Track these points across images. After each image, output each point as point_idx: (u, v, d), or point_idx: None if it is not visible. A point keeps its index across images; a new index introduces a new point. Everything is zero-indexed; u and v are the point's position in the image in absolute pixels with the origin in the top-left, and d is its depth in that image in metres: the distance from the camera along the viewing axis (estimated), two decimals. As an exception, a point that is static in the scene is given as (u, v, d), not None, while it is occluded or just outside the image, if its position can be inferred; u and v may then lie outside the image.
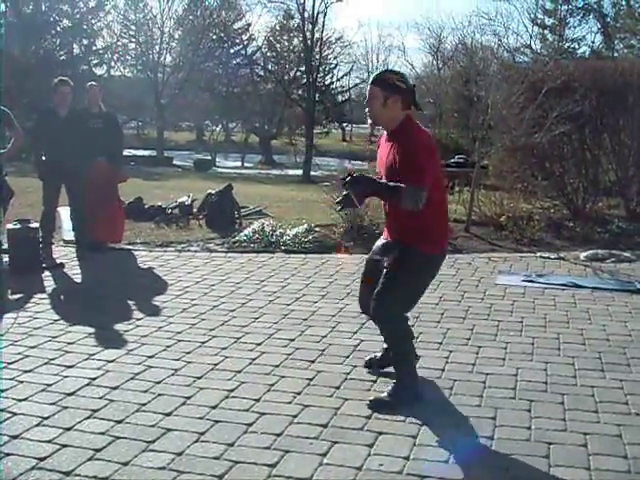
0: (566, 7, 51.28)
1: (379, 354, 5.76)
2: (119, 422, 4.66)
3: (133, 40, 52.86)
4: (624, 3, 49.08)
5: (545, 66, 14.59)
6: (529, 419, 4.85)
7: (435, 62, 57.33)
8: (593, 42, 52.85)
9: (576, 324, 7.13)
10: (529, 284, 8.80)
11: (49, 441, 4.37)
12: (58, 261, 9.36)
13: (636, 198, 13.99)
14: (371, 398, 5.11)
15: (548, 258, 10.44)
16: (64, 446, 4.33)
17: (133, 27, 52.36)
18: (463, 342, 6.44)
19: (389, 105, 4.95)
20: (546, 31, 52.98)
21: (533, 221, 12.38)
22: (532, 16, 52.36)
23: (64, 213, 10.73)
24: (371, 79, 5.13)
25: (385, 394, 5.13)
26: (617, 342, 6.59)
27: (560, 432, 4.66)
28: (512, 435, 4.59)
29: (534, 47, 51.07)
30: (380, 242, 5.52)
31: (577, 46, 52.20)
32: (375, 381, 5.49)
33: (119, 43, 53.53)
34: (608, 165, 14.29)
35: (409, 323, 5.32)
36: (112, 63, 53.88)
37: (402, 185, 4.72)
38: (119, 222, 10.68)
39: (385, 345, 5.57)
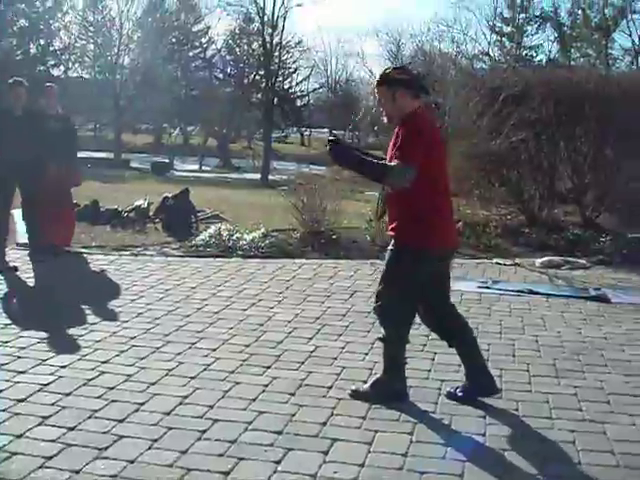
0: (524, 15, 51.95)
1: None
2: (71, 429, 4.59)
3: (91, 41, 52.49)
4: (580, 12, 49.71)
5: (503, 73, 14.67)
6: (484, 426, 4.85)
7: (394, 68, 57.51)
8: (550, 50, 53.56)
9: (531, 331, 7.17)
10: (485, 290, 8.85)
11: (-1, 448, 4.30)
12: (11, 264, 9.23)
13: (591, 205, 14.14)
14: (353, 387, 5.32)
15: (504, 264, 10.51)
16: (14, 454, 4.24)
17: (92, 28, 51.95)
18: (419, 349, 6.42)
19: (397, 99, 5.08)
20: (504, 39, 53.52)
21: (490, 227, 12.45)
22: (490, 24, 52.91)
23: (18, 216, 10.60)
24: (375, 82, 5.28)
25: (367, 385, 5.33)
26: (571, 349, 6.64)
27: (515, 439, 4.67)
28: (467, 442, 4.59)
29: (492, 54, 51.57)
30: None
31: (534, 54, 52.90)
32: (330, 387, 5.47)
33: (77, 44, 53.12)
34: (564, 172, 14.43)
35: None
36: (70, 64, 53.48)
37: (387, 163, 4.93)
38: (70, 226, 10.56)
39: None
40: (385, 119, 5.31)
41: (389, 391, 5.22)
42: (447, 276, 5.43)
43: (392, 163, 4.91)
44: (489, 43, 52.95)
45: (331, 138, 5.06)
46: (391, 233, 5.23)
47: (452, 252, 5.68)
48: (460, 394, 5.29)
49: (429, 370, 5.91)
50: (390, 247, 5.25)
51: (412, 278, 5.15)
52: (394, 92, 5.07)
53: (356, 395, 5.26)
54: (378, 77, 5.26)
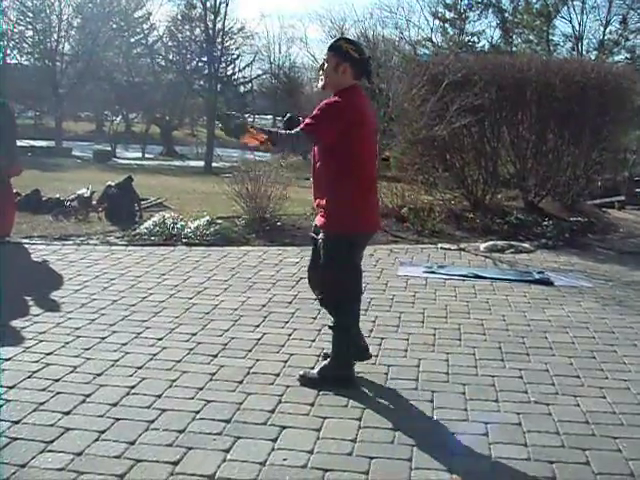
0: (466, 1, 52.13)
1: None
2: (16, 422, 4.51)
3: (30, 27, 51.59)
4: (521, -1, 50.15)
5: (446, 59, 14.74)
6: (431, 409, 4.89)
7: (337, 54, 57.51)
8: (492, 37, 53.85)
9: (476, 315, 7.24)
10: (430, 275, 8.91)
11: (-59, 443, 4.22)
12: (-49, 255, 9.08)
13: (534, 190, 14.31)
14: (301, 373, 5.35)
15: (449, 249, 10.60)
16: (-43, 448, 4.18)
17: (30, 14, 51.05)
18: (366, 334, 6.41)
19: (339, 72, 5.11)
20: (447, 25, 53.74)
21: (434, 213, 12.54)
22: (433, 10, 53.05)
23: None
24: (328, 45, 5.26)
25: (315, 371, 5.37)
26: (516, 332, 6.72)
27: (461, 422, 4.72)
28: (414, 427, 4.61)
29: (435, 40, 51.70)
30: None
31: (477, 40, 53.14)
32: (278, 374, 5.46)
33: (15, 30, 52.21)
34: (507, 158, 14.60)
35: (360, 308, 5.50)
36: (8, 51, 52.54)
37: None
38: (11, 215, 10.40)
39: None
40: (320, 84, 5.30)
41: (339, 376, 5.27)
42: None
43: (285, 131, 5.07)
44: (432, 29, 53.12)
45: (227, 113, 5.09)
46: (321, 220, 5.26)
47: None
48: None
49: (376, 355, 5.93)
50: (322, 236, 5.26)
51: (348, 260, 5.24)
52: (339, 63, 5.10)
53: (304, 380, 5.29)
54: (332, 42, 5.26)
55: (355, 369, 5.40)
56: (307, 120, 4.98)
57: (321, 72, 5.25)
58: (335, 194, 5.11)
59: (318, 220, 5.33)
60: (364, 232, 5.36)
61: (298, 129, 4.99)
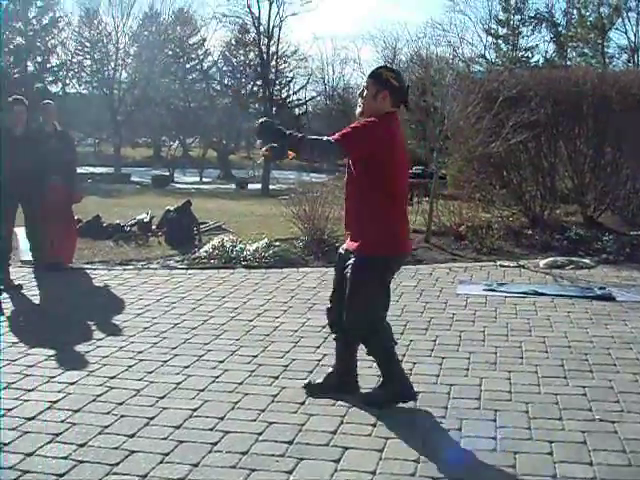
0: (519, 17, 51.95)
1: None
2: (82, 446, 4.58)
3: (88, 57, 52.69)
4: (575, 12, 49.76)
5: (500, 76, 14.69)
6: (494, 429, 4.85)
7: (391, 73, 57.54)
8: (546, 51, 53.61)
9: (538, 332, 7.17)
10: (490, 293, 8.84)
11: (10, 467, 4.28)
12: (16, 282, 9.22)
13: (593, 205, 14.15)
14: (364, 392, 5.37)
15: (508, 267, 10.51)
16: (25, 472, 4.23)
17: (88, 44, 52.20)
18: (426, 353, 6.44)
19: (378, 99, 5.09)
20: (500, 41, 53.55)
21: (492, 230, 12.46)
22: (486, 26, 52.94)
23: (21, 233, 10.60)
24: (368, 72, 5.28)
25: (374, 392, 5.35)
26: (579, 349, 6.63)
27: (525, 441, 4.66)
28: (478, 446, 4.58)
29: (488, 57, 51.60)
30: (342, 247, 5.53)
31: (531, 55, 52.92)
32: (340, 395, 5.46)
33: (74, 60, 53.30)
34: (565, 173, 14.47)
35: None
36: (67, 80, 53.63)
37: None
38: (73, 242, 10.58)
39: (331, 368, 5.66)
40: (358, 109, 5.26)
41: (397, 396, 5.24)
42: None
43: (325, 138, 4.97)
44: (485, 46, 53.04)
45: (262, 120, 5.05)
46: (353, 243, 5.22)
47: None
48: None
49: (437, 375, 5.90)
50: (353, 260, 5.18)
51: (381, 287, 5.23)
52: (378, 91, 5.09)
53: (367, 398, 5.30)
54: (373, 70, 5.27)
55: (415, 389, 5.36)
56: (341, 132, 4.97)
57: (360, 99, 5.23)
58: (371, 216, 5.08)
59: (349, 244, 5.29)
60: (400, 254, 5.34)
61: (329, 138, 4.94)
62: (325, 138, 4.96)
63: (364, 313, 5.14)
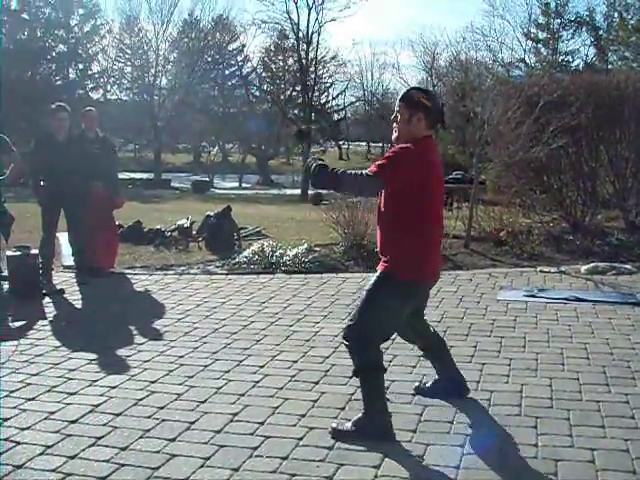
0: (559, 21, 51.63)
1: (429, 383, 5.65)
2: (123, 449, 4.63)
3: (129, 64, 53.25)
4: (616, 15, 49.34)
5: (540, 80, 14.61)
6: (535, 436, 4.82)
7: (430, 79, 57.53)
8: (587, 55, 53.20)
9: (579, 338, 7.11)
10: (531, 299, 8.79)
11: (53, 470, 4.33)
12: (58, 287, 9.34)
13: (635, 210, 14.02)
14: (333, 425, 4.91)
15: (549, 272, 10.43)
16: (68, 475, 4.29)
17: (128, 51, 52.72)
18: (467, 359, 6.41)
19: (413, 122, 4.93)
20: (540, 45, 53.27)
21: (533, 235, 12.38)
22: (525, 30, 52.69)
23: (63, 238, 10.72)
24: (399, 96, 5.12)
25: (349, 423, 4.89)
26: (621, 355, 6.57)
27: (567, 448, 4.63)
28: (520, 453, 4.56)
29: (528, 61, 51.39)
30: None
31: (571, 59, 52.59)
32: (379, 401, 5.45)
33: (115, 67, 53.88)
34: (606, 177, 14.34)
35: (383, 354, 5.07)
36: (108, 87, 54.20)
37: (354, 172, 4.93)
38: (114, 247, 10.69)
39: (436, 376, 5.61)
40: (394, 135, 5.09)
41: (376, 431, 4.82)
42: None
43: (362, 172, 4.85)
44: (525, 50, 52.84)
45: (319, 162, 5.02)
46: (382, 265, 5.05)
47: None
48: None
49: (478, 381, 5.88)
50: (376, 275, 5.07)
51: (394, 308, 4.97)
52: (412, 114, 4.92)
53: (337, 434, 4.84)
54: (403, 93, 5.10)
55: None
56: (376, 163, 4.83)
57: (395, 124, 5.05)
58: (402, 239, 4.91)
59: (380, 267, 5.09)
60: (422, 281, 5.09)
61: (365, 171, 4.81)
62: (361, 172, 4.83)
63: (357, 327, 4.92)
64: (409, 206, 4.86)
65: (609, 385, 5.80)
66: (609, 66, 48.15)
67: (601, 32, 51.46)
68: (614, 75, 16.69)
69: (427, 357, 5.68)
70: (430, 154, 4.96)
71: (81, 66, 51.37)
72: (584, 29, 51.90)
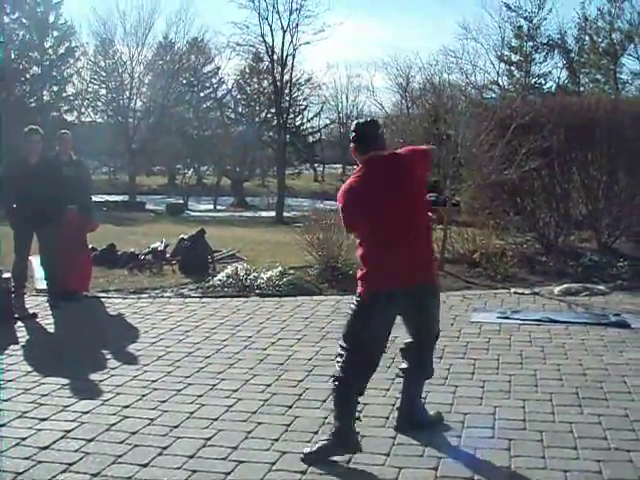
0: (531, 43, 51.95)
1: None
2: (95, 475, 4.59)
3: (103, 86, 53.10)
4: (587, 39, 49.86)
5: (513, 103, 14.73)
6: (509, 458, 4.83)
7: (404, 101, 57.77)
8: (559, 77, 53.53)
9: (552, 359, 7.14)
10: (504, 321, 8.81)
11: (24, 497, 4.30)
12: (31, 311, 9.27)
13: (607, 231, 14.11)
14: (306, 450, 4.92)
15: (522, 294, 10.48)
16: (39, 502, 4.26)
17: (103, 73, 52.62)
18: (440, 381, 6.41)
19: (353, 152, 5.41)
20: (513, 67, 53.60)
21: (506, 257, 12.42)
22: (498, 53, 52.94)
23: (36, 262, 10.65)
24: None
25: (316, 447, 4.92)
26: (594, 376, 6.60)
27: (540, 470, 4.65)
28: (492, 476, 4.56)
29: (501, 83, 51.63)
30: None
31: (544, 81, 52.92)
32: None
33: (89, 89, 53.73)
34: (578, 199, 14.45)
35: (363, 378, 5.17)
36: (83, 109, 54.01)
37: None
38: (88, 271, 10.63)
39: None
40: None
41: (339, 450, 4.90)
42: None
43: None
44: (498, 73, 53.04)
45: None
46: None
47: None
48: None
49: (451, 403, 5.89)
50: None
51: (363, 323, 5.18)
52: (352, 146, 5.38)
53: (307, 456, 4.87)
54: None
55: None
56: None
57: None
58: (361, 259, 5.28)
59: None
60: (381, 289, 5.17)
61: None
62: None
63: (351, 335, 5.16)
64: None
65: (582, 406, 5.83)
66: (581, 88, 48.60)
67: (573, 55, 51.92)
68: (585, 98, 16.86)
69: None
70: (366, 178, 5.19)
71: (55, 88, 51.17)
72: (556, 52, 52.28)
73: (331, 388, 5.13)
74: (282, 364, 7.06)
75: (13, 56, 47.06)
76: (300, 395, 6.13)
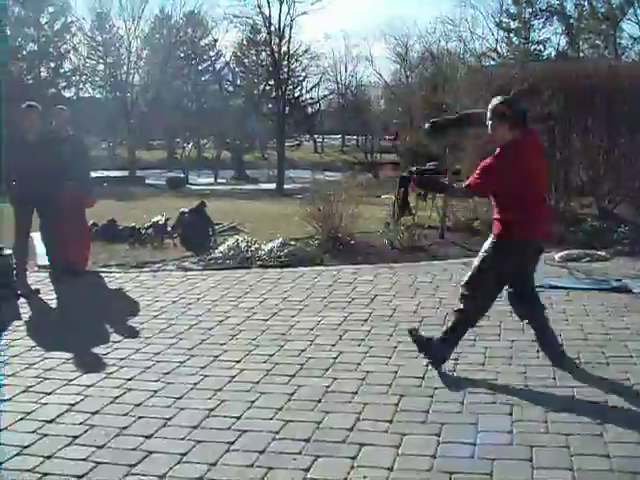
0: (530, 10, 51.74)
1: None
2: (100, 447, 4.63)
3: (101, 61, 52.85)
4: (586, 4, 49.56)
5: (512, 69, 14.67)
6: (510, 423, 4.86)
7: (403, 70, 57.63)
8: (558, 44, 53.36)
9: (554, 325, 7.07)
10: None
11: (30, 470, 4.34)
12: (33, 287, 9.27)
13: (607, 197, 14.10)
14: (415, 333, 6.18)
15: (523, 260, 10.46)
16: (45, 474, 4.29)
17: (100, 48, 52.37)
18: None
19: (497, 130, 5.96)
20: (511, 34, 53.37)
21: (507, 224, 12.38)
22: (497, 20, 52.74)
23: (37, 238, 10.66)
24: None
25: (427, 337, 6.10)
26: (595, 341, 6.64)
27: (542, 434, 4.68)
28: (495, 440, 4.59)
29: (500, 51, 51.43)
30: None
31: (543, 48, 52.68)
32: (356, 392, 5.48)
33: (87, 65, 53.50)
34: (579, 165, 14.41)
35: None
36: (80, 85, 53.84)
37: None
38: (87, 246, 10.63)
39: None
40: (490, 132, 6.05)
41: (440, 356, 5.97)
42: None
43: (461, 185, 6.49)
44: (497, 40, 52.84)
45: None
46: None
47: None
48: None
49: (453, 370, 5.92)
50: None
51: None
52: (497, 124, 5.91)
53: (414, 337, 6.14)
54: (491, 105, 5.99)
55: (431, 384, 5.48)
56: (473, 175, 5.97)
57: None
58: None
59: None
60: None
61: (465, 184, 6.14)
62: (463, 185, 6.26)
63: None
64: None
65: (583, 370, 5.85)
66: (581, 54, 48.36)
67: (572, 21, 51.62)
68: (584, 64, 16.79)
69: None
70: (520, 153, 5.91)
71: (52, 64, 51.01)
72: (555, 18, 51.99)
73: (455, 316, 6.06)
74: (284, 334, 7.09)
75: (8, 33, 46.83)
76: (302, 365, 6.16)
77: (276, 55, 44.21)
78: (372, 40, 70.89)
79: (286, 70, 47.14)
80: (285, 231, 12.69)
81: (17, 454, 4.55)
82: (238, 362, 6.27)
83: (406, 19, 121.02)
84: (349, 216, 11.94)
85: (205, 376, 5.94)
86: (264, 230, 13.59)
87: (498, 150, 5.93)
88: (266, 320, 7.64)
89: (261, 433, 4.79)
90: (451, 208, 13.29)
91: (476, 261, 6.03)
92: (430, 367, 5.94)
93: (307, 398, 5.40)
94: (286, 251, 10.94)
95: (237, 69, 58.43)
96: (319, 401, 5.34)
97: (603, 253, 10.78)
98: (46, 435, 4.84)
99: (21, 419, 5.12)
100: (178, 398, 5.46)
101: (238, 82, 57.91)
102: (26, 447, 4.65)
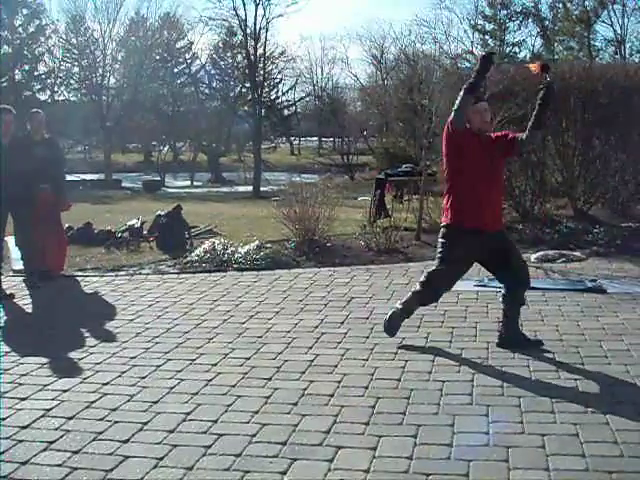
0: (505, 12, 52.05)
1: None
2: (76, 452, 4.59)
3: (76, 64, 52.62)
4: (561, 6, 49.90)
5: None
6: (487, 424, 4.87)
7: (379, 72, 57.73)
8: (533, 45, 53.68)
9: (529, 326, 7.18)
10: (481, 289, 8.87)
11: (5, 477, 4.29)
12: (8, 292, 9.20)
13: (583, 197, 14.19)
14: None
15: (499, 262, 10.50)
16: (20, 480, 4.26)
17: (75, 51, 52.14)
18: (419, 350, 6.46)
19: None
20: (487, 36, 53.66)
21: (483, 225, 12.43)
22: (472, 22, 52.98)
23: (11, 242, 10.60)
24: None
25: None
26: (570, 342, 6.67)
27: (518, 435, 4.69)
28: (471, 441, 4.60)
29: (476, 53, 51.55)
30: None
31: (518, 50, 53.01)
32: (332, 395, 5.48)
33: (62, 67, 53.25)
34: (554, 166, 14.49)
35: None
36: (55, 88, 53.57)
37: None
38: (63, 250, 10.57)
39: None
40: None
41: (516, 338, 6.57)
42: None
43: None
44: (472, 42, 53.07)
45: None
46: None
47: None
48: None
49: (429, 372, 5.93)
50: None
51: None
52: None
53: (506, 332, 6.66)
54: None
55: (407, 386, 5.39)
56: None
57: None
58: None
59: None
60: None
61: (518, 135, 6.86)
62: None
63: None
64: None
65: (559, 371, 5.89)
66: (555, 56, 48.69)
67: (547, 23, 51.99)
68: (559, 66, 16.87)
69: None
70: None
71: (27, 67, 50.73)
72: (530, 20, 52.37)
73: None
74: (261, 337, 7.08)
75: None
76: (279, 367, 6.15)
77: (252, 58, 44.11)
78: (348, 42, 71.13)
79: (262, 73, 47.10)
80: (261, 234, 12.70)
81: (-8, 460, 4.52)
82: (214, 365, 6.25)
83: (382, 21, 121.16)
84: (325, 218, 11.95)
85: (181, 380, 5.91)
86: (240, 233, 13.59)
87: None
88: (242, 323, 7.62)
89: (237, 436, 4.78)
90: (427, 209, 13.32)
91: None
92: (406, 369, 5.95)
93: (284, 401, 5.39)
94: (262, 254, 10.92)
95: (213, 72, 58.42)
96: (295, 404, 5.33)
97: (578, 254, 10.86)
98: (21, 441, 4.79)
99: (-4, 425, 5.08)
100: (154, 402, 5.43)
101: (214, 85, 57.88)
102: (1, 453, 4.60)
